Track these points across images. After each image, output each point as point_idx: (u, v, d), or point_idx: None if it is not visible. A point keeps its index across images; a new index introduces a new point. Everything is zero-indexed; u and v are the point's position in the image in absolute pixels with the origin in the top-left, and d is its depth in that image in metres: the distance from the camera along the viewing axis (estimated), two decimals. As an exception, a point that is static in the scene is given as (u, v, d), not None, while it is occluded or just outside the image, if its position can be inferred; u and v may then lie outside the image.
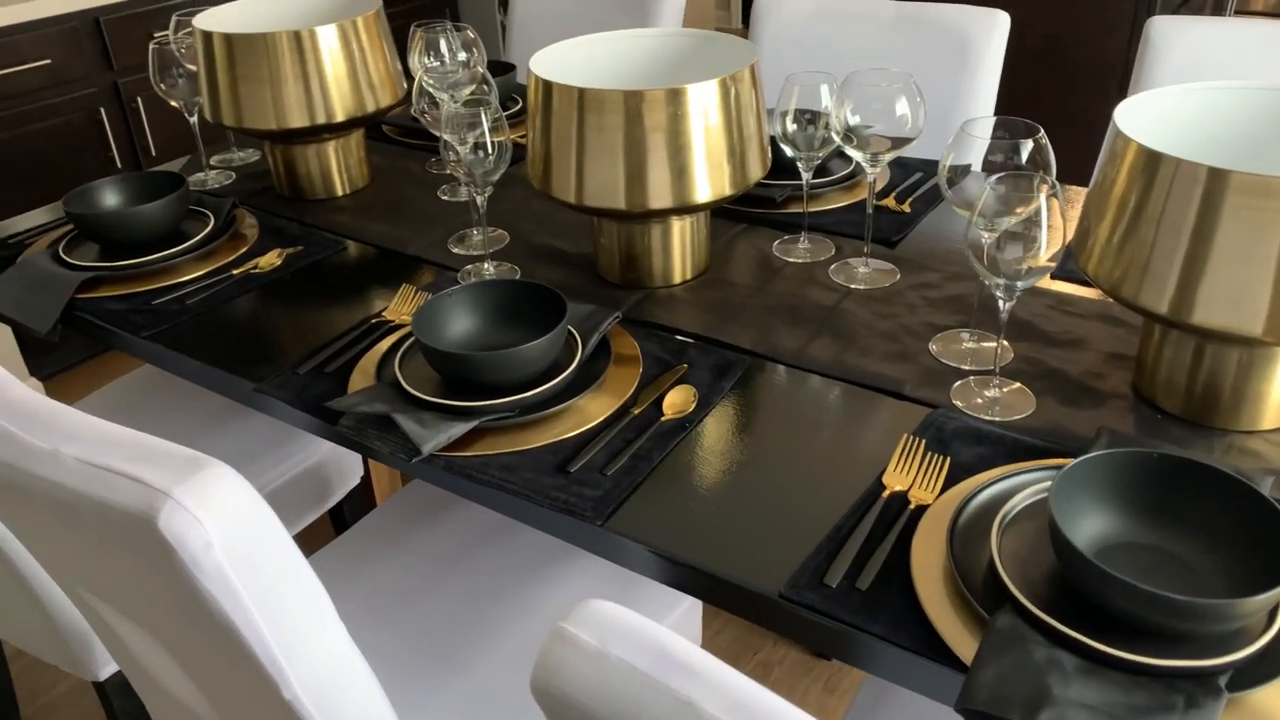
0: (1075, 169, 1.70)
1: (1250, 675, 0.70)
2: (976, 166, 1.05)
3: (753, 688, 0.48)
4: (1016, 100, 2.53)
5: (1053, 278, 1.23)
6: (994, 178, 0.93)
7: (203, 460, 0.65)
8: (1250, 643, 0.70)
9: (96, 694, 1.34)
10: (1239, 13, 3.09)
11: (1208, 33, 1.53)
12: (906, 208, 1.43)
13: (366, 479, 1.74)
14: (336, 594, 1.21)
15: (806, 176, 1.30)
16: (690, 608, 1.24)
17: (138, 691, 1.10)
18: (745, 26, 5.44)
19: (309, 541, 1.42)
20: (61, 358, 2.65)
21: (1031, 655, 0.70)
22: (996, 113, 1.74)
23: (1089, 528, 0.80)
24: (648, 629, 0.51)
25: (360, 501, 1.67)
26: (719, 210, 1.45)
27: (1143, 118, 0.98)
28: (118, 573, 0.72)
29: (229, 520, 0.64)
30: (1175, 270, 0.89)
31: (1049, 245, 0.92)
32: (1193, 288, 0.89)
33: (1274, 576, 0.69)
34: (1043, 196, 0.90)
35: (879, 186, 1.50)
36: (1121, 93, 2.41)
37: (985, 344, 1.11)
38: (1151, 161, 0.89)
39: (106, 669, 1.28)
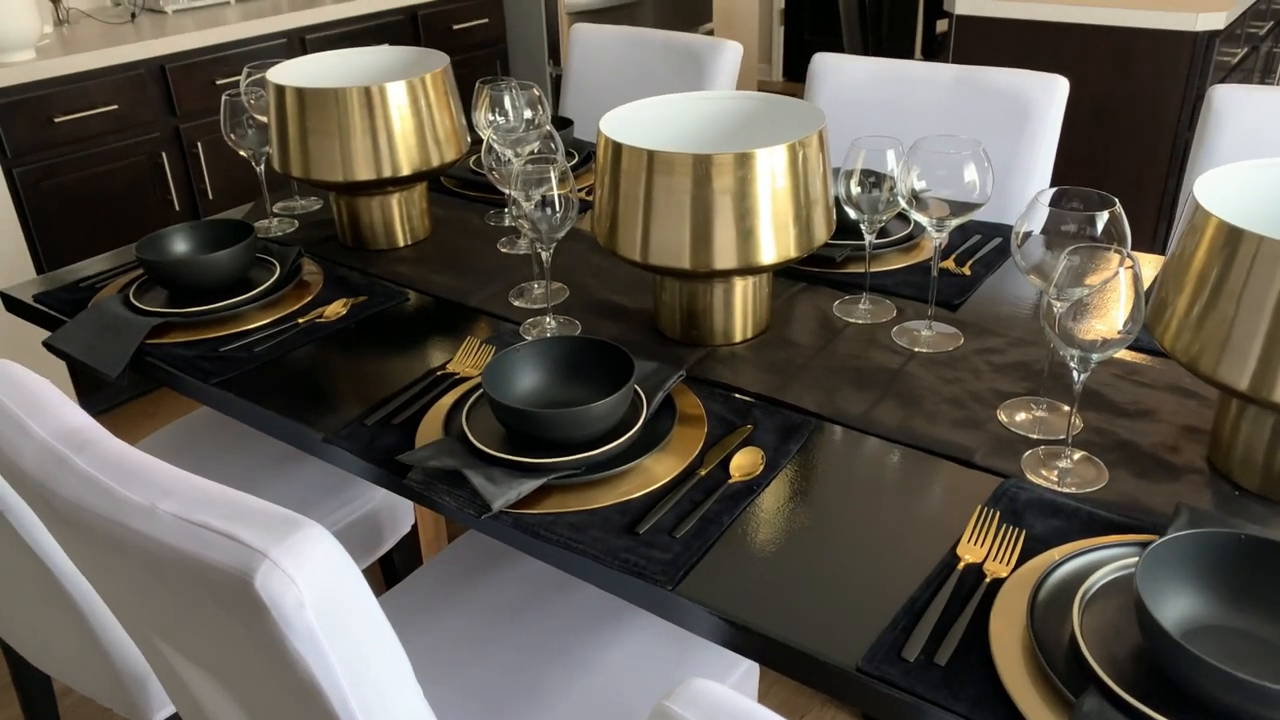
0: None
1: (1349, 769, 0.68)
2: (1036, 232, 1.05)
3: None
4: (1066, 163, 2.53)
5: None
6: (1070, 249, 0.93)
7: (298, 521, 0.65)
8: (1348, 735, 0.68)
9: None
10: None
11: (1272, 101, 1.53)
12: (967, 270, 1.43)
13: (414, 527, 1.74)
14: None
15: (870, 238, 1.31)
16: (748, 671, 1.23)
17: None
18: (785, 80, 5.50)
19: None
20: (111, 395, 2.69)
21: (1122, 741, 0.69)
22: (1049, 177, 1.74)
23: (1175, 609, 0.78)
24: (754, 712, 0.50)
25: (409, 550, 1.67)
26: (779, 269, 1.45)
27: (1221, 191, 0.98)
28: (204, 626, 0.72)
29: (322, 581, 0.65)
30: (1257, 347, 0.88)
31: (1125, 318, 0.91)
32: (1275, 365, 0.88)
33: (1374, 668, 0.67)
34: (1122, 270, 0.90)
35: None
36: (1173, 158, 2.41)
37: (1054, 413, 1.10)
38: (1233, 237, 0.89)
39: (160, 714, 1.28)
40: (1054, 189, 1.02)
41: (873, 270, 1.44)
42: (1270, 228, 1.01)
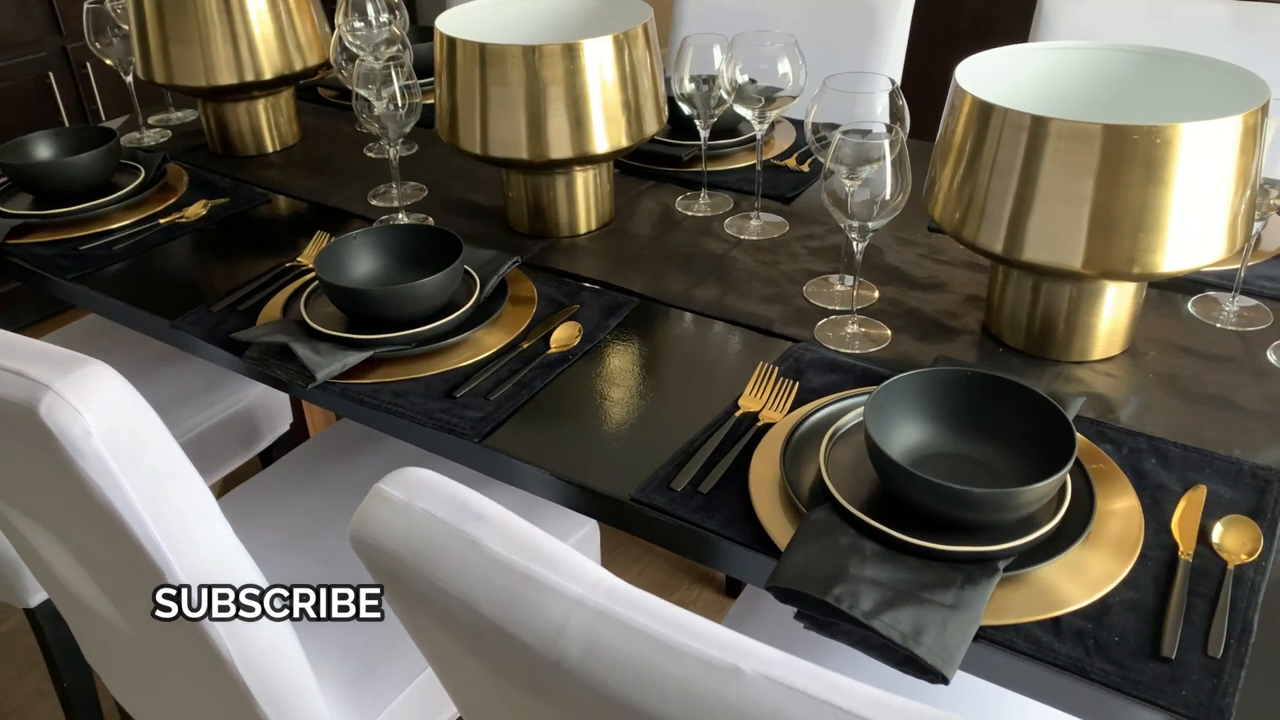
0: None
1: (1034, 557, 0.78)
2: (824, 118, 1.13)
3: (533, 531, 0.56)
4: (933, 78, 2.61)
5: (930, 230, 1.32)
6: (843, 129, 1.01)
7: (83, 360, 0.72)
8: (1034, 531, 0.79)
9: (29, 622, 1.40)
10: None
11: (1095, 4, 1.61)
12: (805, 167, 1.51)
13: (300, 426, 1.81)
14: (253, 524, 1.29)
15: (705, 135, 1.38)
16: (589, 533, 1.33)
17: (59, 608, 1.17)
18: None
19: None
20: (10, 320, 2.70)
21: (837, 542, 0.79)
22: (911, 87, 1.81)
23: (906, 438, 0.88)
24: (451, 487, 0.59)
25: (290, 447, 1.73)
26: (628, 167, 1.52)
27: (983, 75, 1.06)
28: (11, 467, 0.79)
29: (108, 413, 0.72)
30: (1006, 212, 0.98)
31: (893, 189, 1.00)
32: (1022, 227, 0.97)
33: (1047, 473, 0.78)
34: (886, 143, 0.99)
35: (783, 148, 1.58)
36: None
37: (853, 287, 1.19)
38: (984, 112, 0.98)
39: (37, 596, 1.35)
40: (840, 74, 1.09)
41: (716, 169, 1.51)
42: (1023, 106, 1.09)
